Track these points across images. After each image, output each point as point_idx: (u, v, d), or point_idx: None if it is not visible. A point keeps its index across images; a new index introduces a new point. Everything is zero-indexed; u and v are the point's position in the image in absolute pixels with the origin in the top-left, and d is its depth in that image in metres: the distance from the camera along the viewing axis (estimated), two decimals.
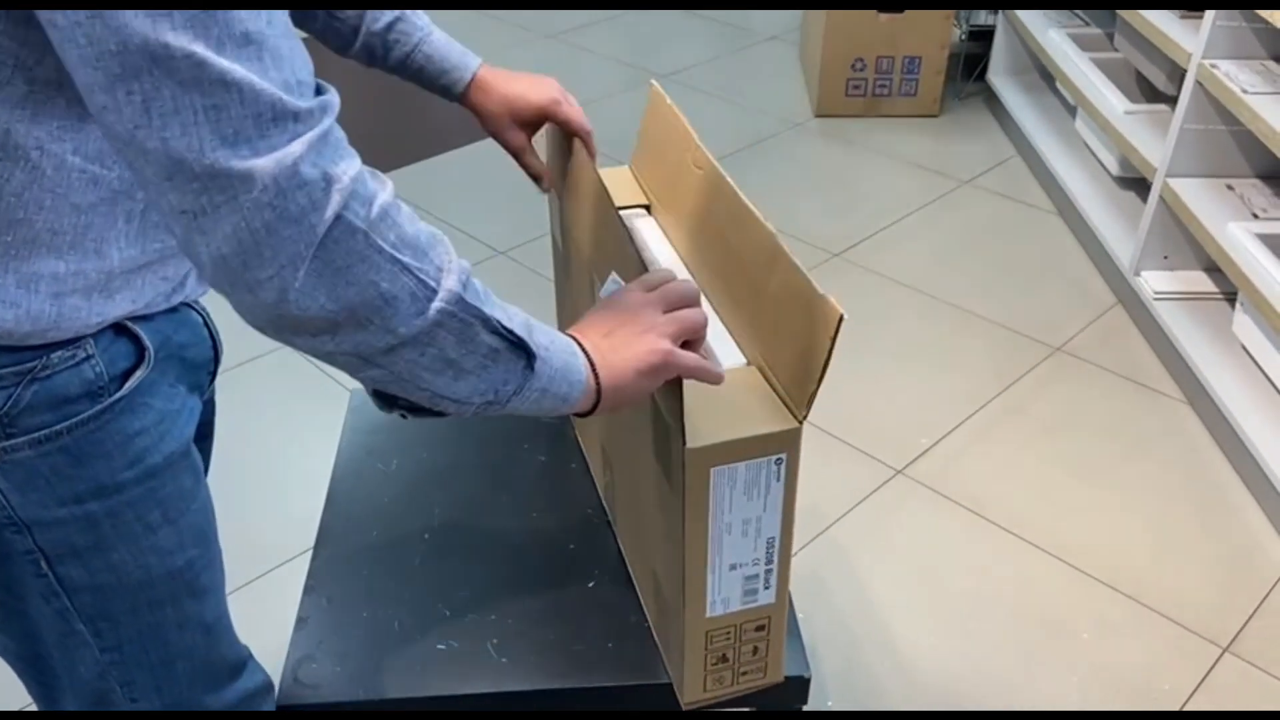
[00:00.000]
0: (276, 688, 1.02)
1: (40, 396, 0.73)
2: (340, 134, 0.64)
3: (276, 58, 0.59)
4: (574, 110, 1.11)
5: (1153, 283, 2.28)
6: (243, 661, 0.95)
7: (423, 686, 1.03)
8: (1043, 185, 2.89)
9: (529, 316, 0.76)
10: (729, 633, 0.97)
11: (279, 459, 1.96)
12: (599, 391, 0.79)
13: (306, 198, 0.60)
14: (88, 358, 0.75)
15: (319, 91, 0.63)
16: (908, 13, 3.09)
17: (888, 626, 1.67)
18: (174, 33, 0.55)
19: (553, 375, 0.75)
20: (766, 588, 0.95)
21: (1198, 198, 2.14)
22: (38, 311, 0.71)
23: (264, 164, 0.59)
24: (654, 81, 1.24)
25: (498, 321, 0.70)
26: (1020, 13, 3.05)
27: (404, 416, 0.76)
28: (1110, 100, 2.49)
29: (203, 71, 0.56)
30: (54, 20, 0.57)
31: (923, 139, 3.14)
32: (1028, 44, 3.02)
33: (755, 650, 1.00)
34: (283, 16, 0.61)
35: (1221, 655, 1.63)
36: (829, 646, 1.64)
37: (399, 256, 0.65)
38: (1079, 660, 1.62)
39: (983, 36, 3.36)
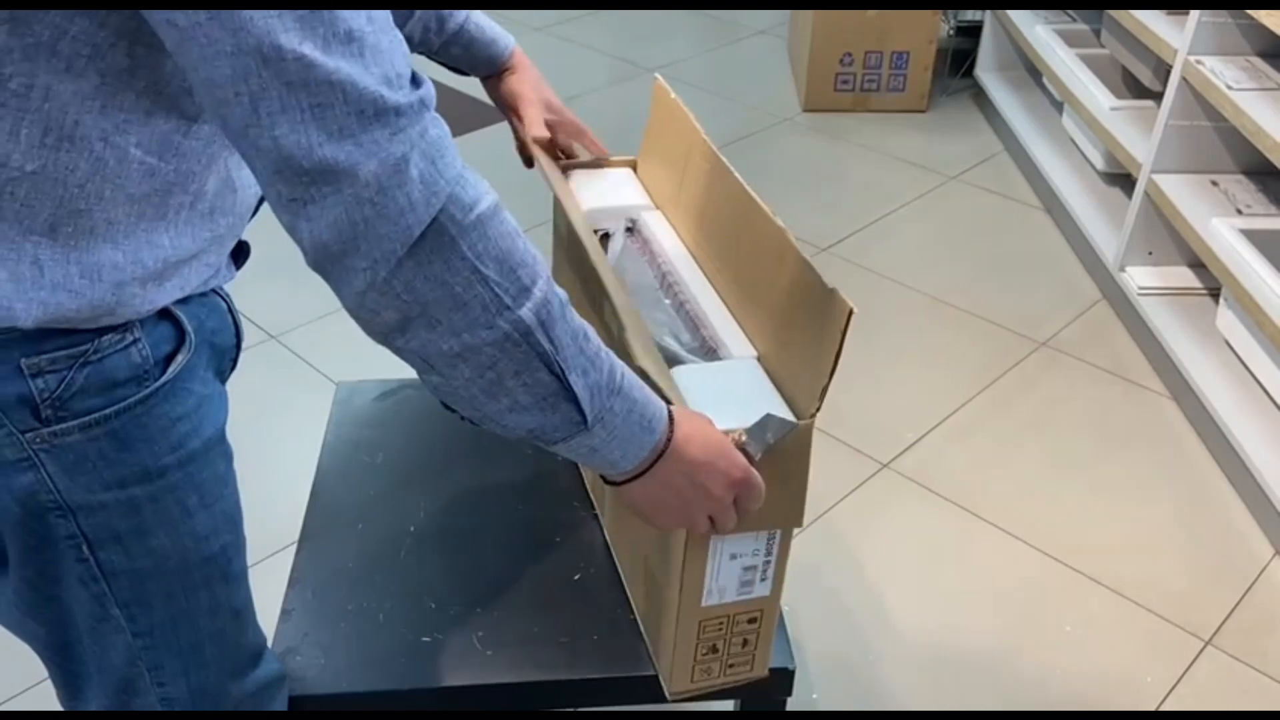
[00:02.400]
0: None
1: (91, 380, 0.74)
2: (442, 129, 0.67)
3: (376, 53, 0.62)
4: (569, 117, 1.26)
5: (1137, 278, 2.30)
6: (262, 648, 0.96)
7: (408, 679, 1.03)
8: (1029, 181, 2.90)
9: (624, 376, 0.76)
10: (721, 623, 0.98)
11: (265, 450, 1.95)
12: (640, 474, 0.81)
13: (406, 198, 0.63)
14: (135, 341, 0.76)
15: (415, 82, 0.65)
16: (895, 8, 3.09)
17: (872, 620, 1.68)
18: (285, 34, 0.59)
19: (609, 440, 0.77)
20: (764, 579, 0.96)
21: (1182, 193, 2.15)
22: (99, 299, 0.72)
23: (368, 160, 0.62)
24: (658, 75, 1.26)
25: (562, 370, 0.71)
26: (1008, 9, 3.06)
27: (463, 420, 0.77)
28: (1096, 96, 2.50)
29: (310, 73, 0.59)
30: (174, 20, 0.59)
31: (911, 134, 3.14)
32: (1015, 40, 3.03)
33: (745, 643, 1.00)
34: (383, 13, 0.64)
35: (1204, 649, 1.64)
36: (813, 639, 1.64)
37: (480, 267, 0.67)
38: (1061, 653, 1.63)
39: (971, 32, 3.36)
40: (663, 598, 0.98)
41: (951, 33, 3.42)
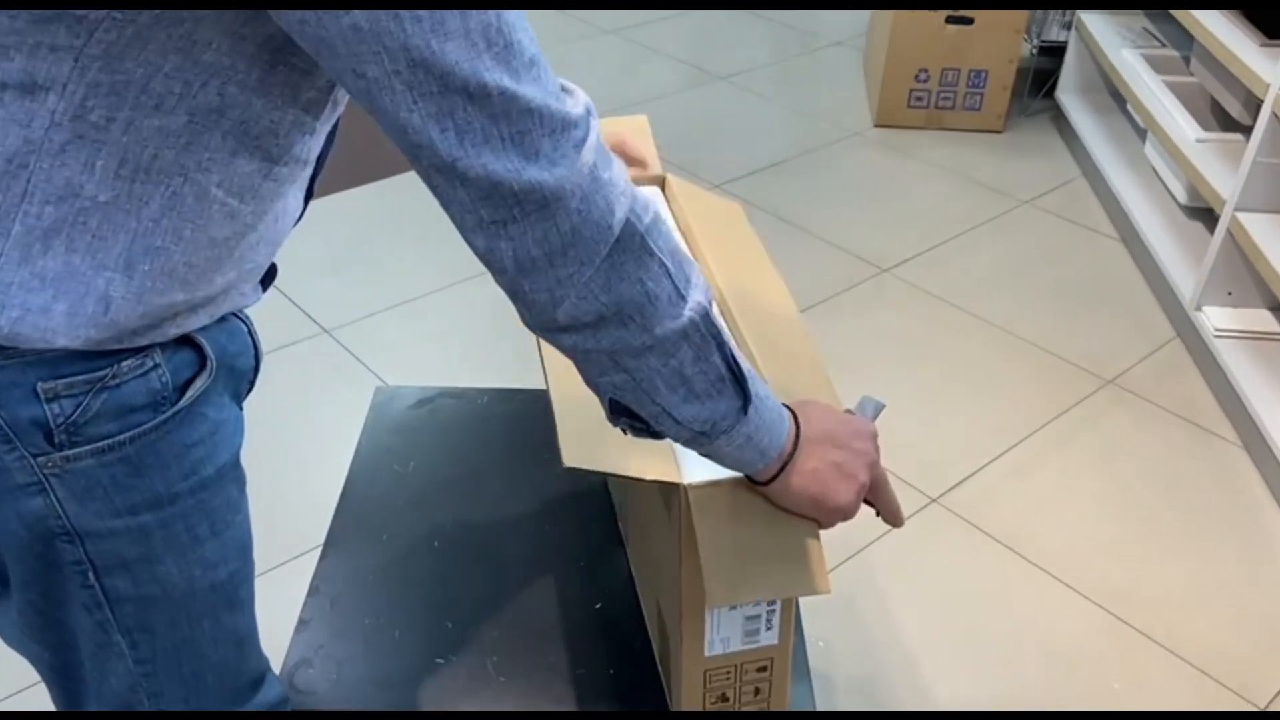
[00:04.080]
0: None
1: (108, 405, 0.73)
2: (601, 135, 0.69)
3: (547, 73, 0.65)
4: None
5: (1214, 319, 2.20)
6: (263, 673, 0.94)
7: (417, 701, 1.01)
8: (1106, 210, 2.80)
9: (750, 365, 0.78)
10: (729, 673, 0.94)
11: (307, 447, 1.96)
12: (785, 465, 0.80)
13: (604, 201, 0.67)
14: (155, 366, 0.75)
15: (565, 89, 0.68)
16: (976, 25, 3.01)
17: (911, 659, 1.62)
18: (489, 72, 0.61)
19: (759, 425, 0.77)
20: (769, 628, 0.92)
21: (1267, 234, 2.05)
22: (135, 328, 0.72)
23: (567, 174, 0.65)
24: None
25: (730, 350, 0.74)
26: (1094, 30, 2.96)
27: (625, 432, 0.79)
28: (1182, 126, 2.40)
29: (512, 104, 0.62)
30: (363, 71, 0.61)
31: (984, 155, 3.06)
32: (1100, 63, 2.93)
33: (757, 691, 0.96)
34: (533, 31, 0.65)
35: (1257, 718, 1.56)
36: (845, 674, 1.59)
37: (664, 260, 0.70)
38: (1109, 710, 1.56)
39: (1054, 52, 3.26)
40: (669, 645, 0.95)
41: (1034, 52, 3.32)
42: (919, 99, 3.14)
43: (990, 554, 1.81)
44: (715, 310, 0.75)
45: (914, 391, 2.16)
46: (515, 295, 0.69)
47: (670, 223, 1.10)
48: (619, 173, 0.69)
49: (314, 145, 0.77)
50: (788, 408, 0.81)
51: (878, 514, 0.88)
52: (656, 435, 0.77)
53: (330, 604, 1.10)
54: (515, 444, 1.30)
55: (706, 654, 0.92)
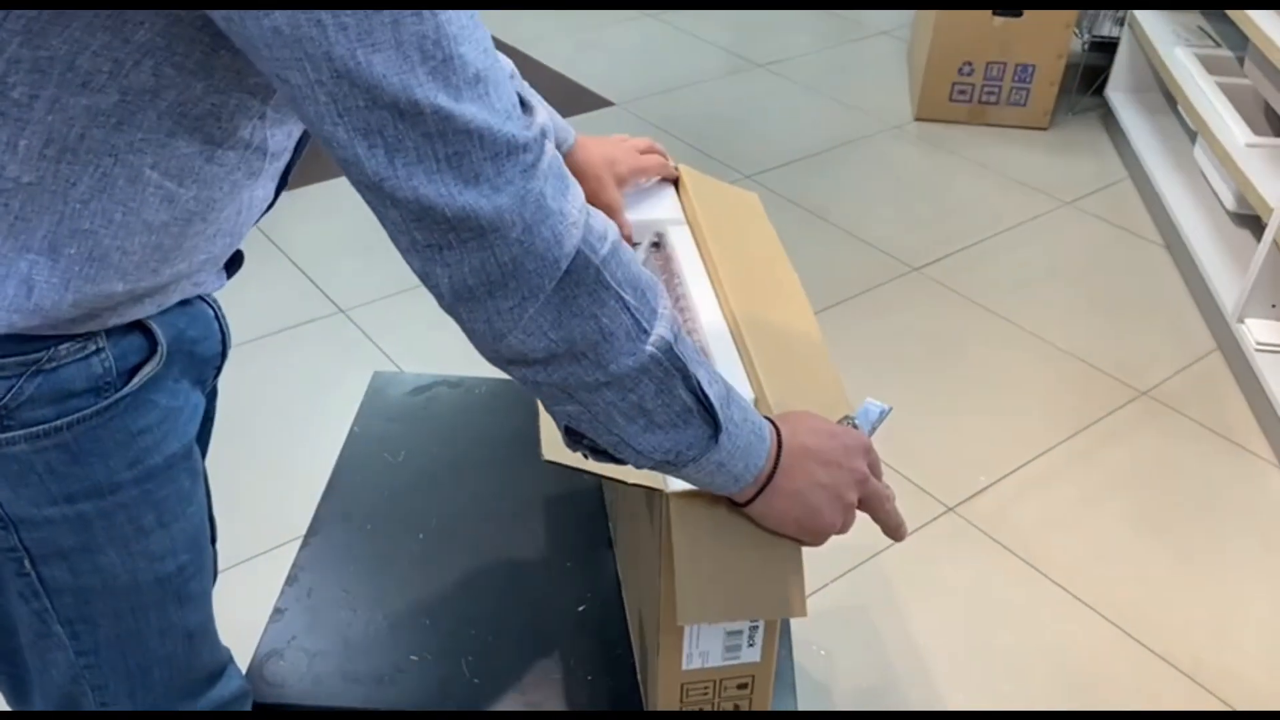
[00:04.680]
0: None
1: (43, 389, 0.69)
2: (560, 159, 0.64)
3: (498, 89, 0.60)
4: (654, 160, 1.12)
5: (1256, 332, 2.11)
6: (221, 667, 0.91)
7: (387, 699, 0.98)
8: (1151, 214, 2.71)
9: (730, 386, 0.74)
10: (707, 688, 0.90)
11: (312, 428, 1.94)
12: (763, 487, 0.75)
13: (550, 232, 0.62)
14: (97, 351, 0.71)
15: (525, 107, 0.63)
16: (1025, 18, 2.92)
17: (916, 673, 1.57)
18: (421, 88, 0.56)
19: (732, 451, 0.73)
20: (751, 645, 0.88)
21: None
22: (69, 317, 0.68)
23: (509, 202, 0.60)
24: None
25: (697, 381, 0.69)
26: (1147, 27, 2.85)
27: (586, 456, 0.75)
28: (1232, 129, 2.30)
29: (448, 124, 0.57)
30: (287, 77, 0.57)
31: (1027, 152, 2.97)
32: (1152, 61, 2.82)
33: (736, 707, 0.92)
34: (489, 38, 0.61)
35: None
36: (847, 684, 1.55)
37: (622, 294, 0.65)
38: (1110, 710, 1.50)
39: (1105, 48, 3.16)
40: (647, 655, 0.91)
41: (1084, 47, 3.21)
42: (962, 93, 3.05)
43: (1007, 568, 1.75)
44: (683, 338, 0.70)
45: (937, 395, 2.10)
46: (457, 321, 0.65)
47: (637, 250, 1.05)
48: (573, 200, 0.64)
49: (277, 135, 0.72)
50: (772, 422, 0.76)
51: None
52: (619, 461, 0.72)
53: (307, 593, 1.08)
54: (510, 437, 1.27)
55: (684, 667, 0.88)
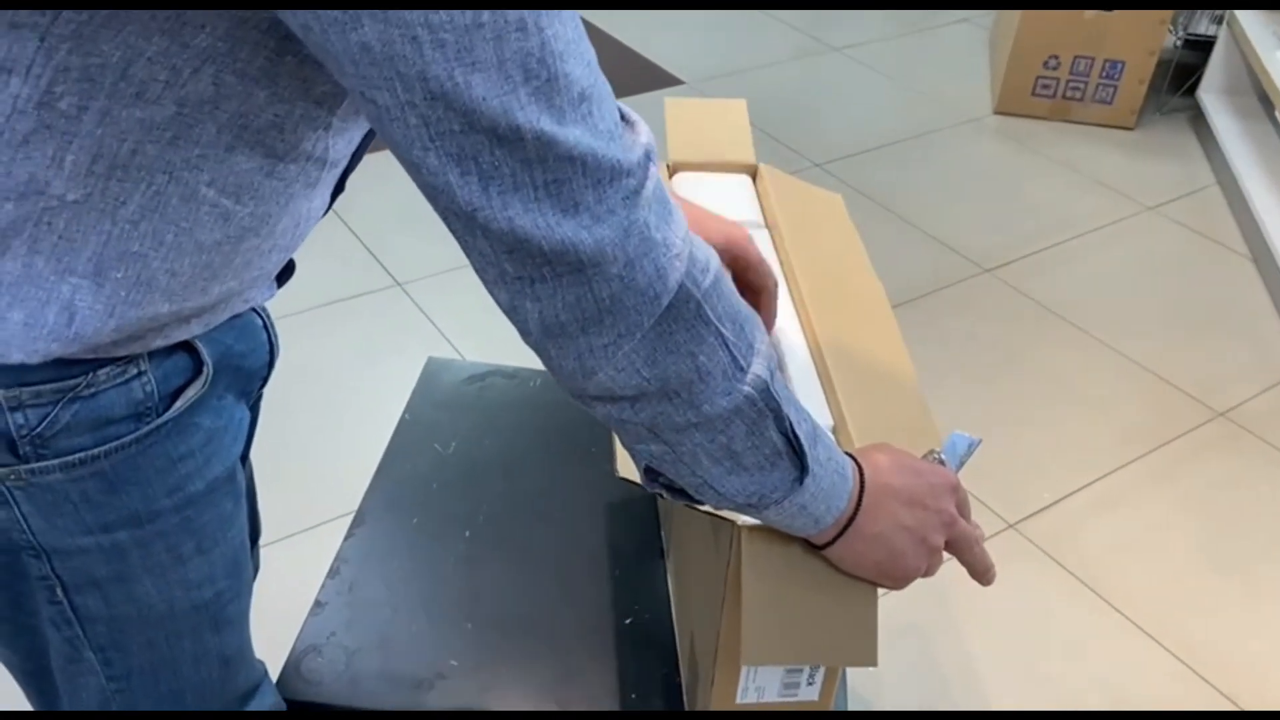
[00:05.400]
0: (278, 673, 0.97)
1: (80, 417, 0.65)
2: (662, 181, 0.59)
3: (602, 106, 0.55)
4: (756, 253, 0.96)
5: None
6: (254, 687, 0.88)
7: (423, 702, 0.96)
8: (1239, 223, 2.59)
9: (815, 423, 0.69)
10: None
11: (361, 402, 1.93)
12: (844, 529, 0.70)
13: (653, 266, 0.57)
14: (139, 375, 0.67)
15: (626, 121, 0.59)
16: (1117, 11, 2.80)
17: (962, 690, 1.52)
18: (523, 111, 0.52)
19: (815, 493, 0.68)
20: (810, 684, 0.83)
21: None
22: (110, 341, 0.64)
23: (611, 234, 0.55)
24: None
25: (790, 422, 0.65)
26: (1246, 27, 2.72)
27: (662, 496, 0.70)
28: None
29: (550, 150, 0.53)
30: (373, 97, 0.52)
31: (1111, 153, 2.86)
32: (1250, 63, 2.69)
33: None
34: (593, 53, 0.56)
35: None
36: (893, 702, 1.50)
37: (722, 330, 0.61)
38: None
39: (1199, 47, 3.02)
40: (698, 681, 0.87)
41: (1178, 45, 3.08)
42: (1046, 87, 2.94)
43: (1065, 590, 1.68)
44: (778, 376, 0.65)
45: (1002, 405, 2.03)
46: (542, 358, 0.61)
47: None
48: (677, 228, 0.59)
49: (338, 144, 0.68)
50: (853, 459, 0.71)
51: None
52: (697, 503, 0.68)
53: (349, 588, 1.06)
54: (563, 433, 1.24)
55: (738, 700, 0.84)
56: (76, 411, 0.65)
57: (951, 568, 1.85)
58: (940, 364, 2.11)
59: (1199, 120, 2.95)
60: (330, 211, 0.77)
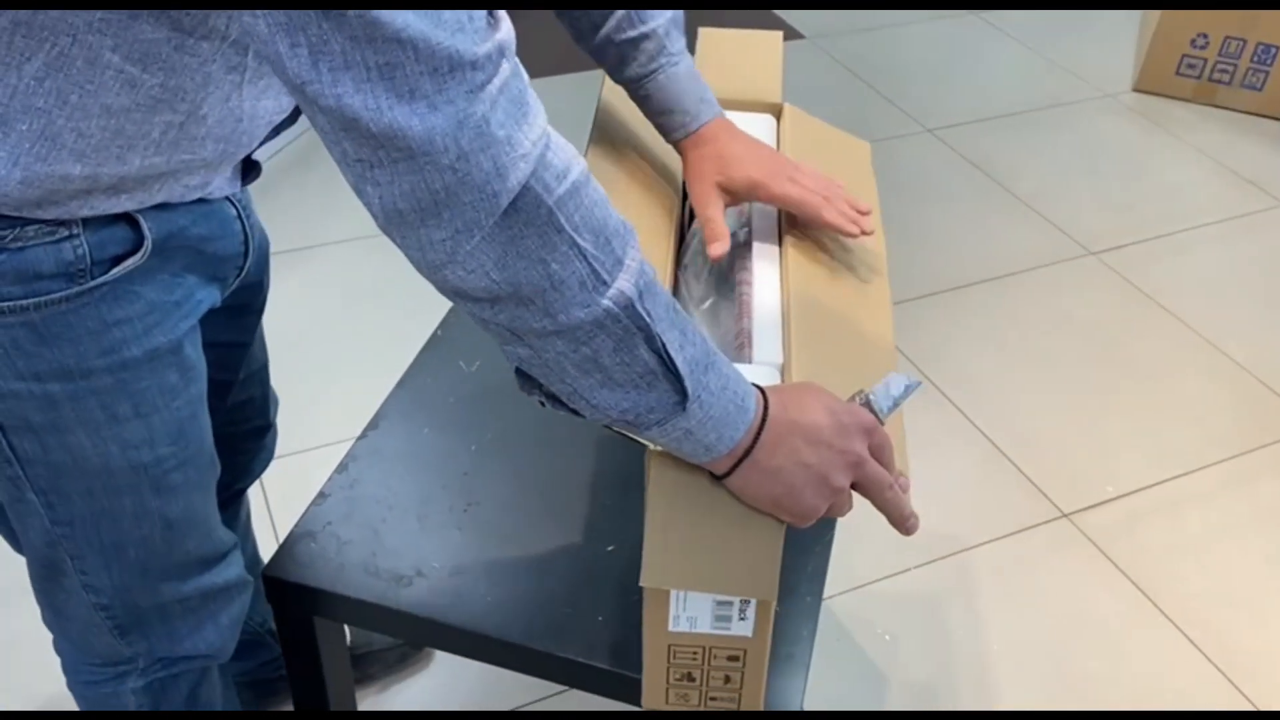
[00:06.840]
0: (273, 553, 1.03)
1: (6, 266, 0.70)
2: (523, 81, 0.59)
3: None
4: (797, 189, 0.92)
5: None
6: (219, 556, 0.93)
7: (399, 597, 1.00)
8: None
9: (713, 351, 0.69)
10: (696, 653, 0.87)
11: (392, 328, 1.99)
12: (741, 459, 0.71)
13: (491, 162, 0.57)
14: (70, 236, 0.71)
15: (491, 20, 0.58)
16: None
17: (986, 679, 1.49)
18: None
19: (704, 420, 0.68)
20: (742, 619, 0.84)
21: None
22: (28, 198, 0.68)
23: (444, 124, 0.55)
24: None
25: (662, 344, 0.65)
26: None
27: (542, 404, 0.72)
28: None
29: (376, 29, 0.53)
30: None
31: (1253, 142, 2.66)
32: None
33: (727, 679, 0.89)
34: None
35: None
36: (908, 680, 1.48)
37: (578, 240, 0.61)
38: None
39: None
40: (643, 608, 0.89)
41: None
42: (1191, 67, 2.76)
43: (1115, 590, 1.61)
44: (655, 295, 0.64)
45: (1082, 391, 1.94)
46: (396, 243, 0.62)
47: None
48: (529, 129, 0.58)
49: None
50: (762, 392, 0.71)
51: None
52: (575, 412, 0.69)
53: (352, 484, 1.11)
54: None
55: (670, 628, 0.85)
56: (3, 261, 0.70)
57: (988, 549, 1.80)
58: (1020, 342, 2.03)
59: None
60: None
